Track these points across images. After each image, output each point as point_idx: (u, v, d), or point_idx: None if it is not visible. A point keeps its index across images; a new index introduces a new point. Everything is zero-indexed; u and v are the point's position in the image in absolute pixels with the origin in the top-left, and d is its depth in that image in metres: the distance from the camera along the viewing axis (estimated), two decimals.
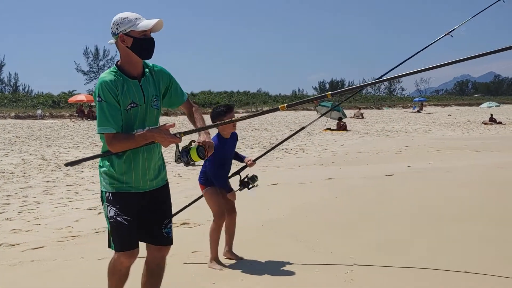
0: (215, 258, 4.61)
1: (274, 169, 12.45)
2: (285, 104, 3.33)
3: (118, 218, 3.05)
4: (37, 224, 6.68)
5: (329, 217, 6.53)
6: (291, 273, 4.38)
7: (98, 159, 3.21)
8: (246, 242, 4.66)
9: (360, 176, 9.97)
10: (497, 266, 4.37)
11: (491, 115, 34.58)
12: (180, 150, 3.12)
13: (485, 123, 32.76)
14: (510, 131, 26.54)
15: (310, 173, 11.30)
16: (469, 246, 5.02)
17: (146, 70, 3.17)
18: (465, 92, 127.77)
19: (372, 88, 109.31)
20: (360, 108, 44.38)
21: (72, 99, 42.03)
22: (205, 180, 4.64)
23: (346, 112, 40.96)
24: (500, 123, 32.59)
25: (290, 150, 17.30)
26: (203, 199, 4.77)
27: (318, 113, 35.03)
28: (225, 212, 4.63)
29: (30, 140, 20.10)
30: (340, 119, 27.32)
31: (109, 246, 3.19)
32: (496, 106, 41.93)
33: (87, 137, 21.80)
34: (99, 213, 7.43)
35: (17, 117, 36.09)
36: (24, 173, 11.61)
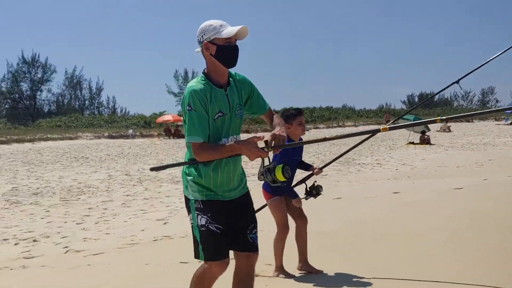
0: (279, 267, 4.64)
1: (345, 184, 12.39)
2: (387, 126, 3.08)
3: (210, 227, 3.02)
4: (107, 234, 7.22)
5: (377, 229, 6.53)
6: (314, 281, 4.52)
7: (182, 167, 3.21)
8: (287, 252, 4.78)
9: (429, 190, 9.71)
10: None
11: None
12: (264, 168, 3.10)
13: None
14: None
15: (380, 187, 11.13)
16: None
17: (230, 79, 3.15)
18: None
19: (464, 100, 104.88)
20: (447, 121, 42.56)
21: (159, 119, 44.42)
22: (272, 188, 4.54)
23: (431, 126, 39.56)
24: None
25: (367, 164, 17.05)
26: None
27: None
28: (288, 225, 4.61)
29: (118, 158, 21.45)
30: (423, 132, 26.47)
31: (196, 257, 3.12)
32: None
33: (171, 154, 22.89)
34: (165, 223, 7.88)
35: (110, 136, 38.61)
36: (108, 188, 12.44)
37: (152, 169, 3.33)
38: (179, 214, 8.61)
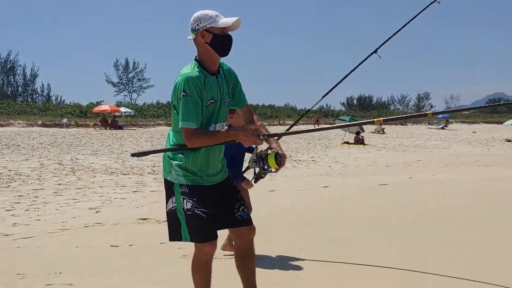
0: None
1: (280, 178, 12.71)
2: (381, 118, 3.34)
3: (196, 211, 3.10)
4: (37, 220, 7.12)
5: (300, 217, 7.04)
6: None
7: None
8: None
9: (356, 185, 10.20)
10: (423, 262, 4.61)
11: None
12: (257, 155, 3.19)
13: (509, 141, 32.37)
14: None
15: (312, 182, 11.54)
16: (410, 246, 5.42)
17: (219, 68, 3.24)
18: (497, 110, 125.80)
19: (400, 104, 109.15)
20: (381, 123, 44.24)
21: (96, 109, 43.28)
22: None
23: (367, 127, 41.02)
24: None
25: (302, 161, 17.50)
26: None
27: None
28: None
29: (51, 147, 20.85)
30: (358, 133, 27.42)
31: (177, 239, 3.22)
32: None
33: (106, 145, 22.47)
34: (97, 211, 7.86)
35: (44, 125, 37.37)
36: (40, 176, 12.13)
37: (133, 155, 3.37)
38: (112, 204, 8.60)
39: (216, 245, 3.23)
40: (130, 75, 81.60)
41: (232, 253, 4.86)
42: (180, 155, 3.15)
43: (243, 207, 3.33)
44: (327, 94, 5.55)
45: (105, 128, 37.42)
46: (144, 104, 68.86)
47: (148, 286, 4.25)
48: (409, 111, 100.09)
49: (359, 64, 5.64)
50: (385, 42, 5.70)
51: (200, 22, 3.10)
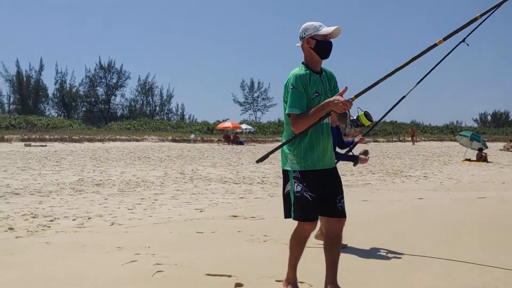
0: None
1: (383, 192, 12.86)
2: (442, 38, 3.70)
3: (304, 194, 3.63)
4: (150, 216, 8.30)
5: (371, 220, 7.35)
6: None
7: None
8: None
9: (452, 198, 10.12)
10: None
11: None
12: (350, 119, 3.64)
13: None
14: None
15: (411, 195, 11.57)
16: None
17: (323, 70, 3.85)
18: None
19: None
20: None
21: (219, 126, 46.31)
22: None
23: (496, 144, 38.57)
24: None
25: (413, 177, 17.28)
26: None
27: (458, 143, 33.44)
28: None
29: (177, 159, 22.86)
30: (480, 149, 26.11)
31: (288, 216, 3.78)
32: None
33: (225, 158, 24.05)
34: (201, 211, 8.88)
35: (173, 140, 40.68)
36: (162, 183, 13.63)
37: (257, 161, 4.08)
38: (217, 206, 9.57)
39: (315, 226, 3.74)
40: (255, 94, 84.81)
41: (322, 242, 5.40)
42: (293, 146, 3.71)
43: (343, 200, 3.80)
44: (414, 87, 5.33)
45: (227, 143, 39.68)
46: (267, 122, 71.43)
47: (209, 258, 5.09)
48: None
49: (447, 54, 5.26)
50: (474, 29, 5.38)
51: (306, 31, 3.74)
